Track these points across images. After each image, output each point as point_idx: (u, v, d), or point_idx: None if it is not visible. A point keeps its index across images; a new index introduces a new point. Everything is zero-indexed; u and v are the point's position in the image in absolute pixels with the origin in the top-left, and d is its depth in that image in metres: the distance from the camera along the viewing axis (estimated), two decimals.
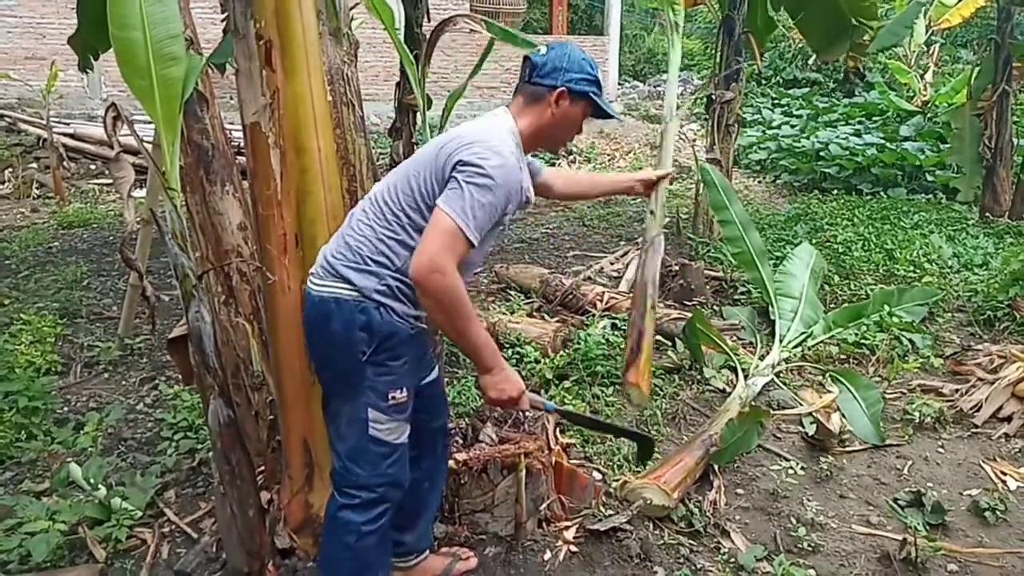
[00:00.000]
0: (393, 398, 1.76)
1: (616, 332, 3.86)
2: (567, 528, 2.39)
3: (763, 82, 13.94)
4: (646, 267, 3.22)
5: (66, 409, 3.31)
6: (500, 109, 1.86)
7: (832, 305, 4.57)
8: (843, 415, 3.26)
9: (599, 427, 2.24)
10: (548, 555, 2.28)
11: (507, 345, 3.80)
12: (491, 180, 1.62)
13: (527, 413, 2.05)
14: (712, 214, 6.16)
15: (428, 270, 1.58)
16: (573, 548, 2.31)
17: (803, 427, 3.16)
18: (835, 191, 8.76)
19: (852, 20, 5.66)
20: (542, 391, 3.45)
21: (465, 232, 1.60)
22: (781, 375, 3.64)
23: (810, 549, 2.40)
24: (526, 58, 1.84)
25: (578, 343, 3.66)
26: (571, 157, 11.27)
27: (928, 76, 11.44)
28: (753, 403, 3.22)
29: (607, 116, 1.92)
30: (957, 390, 3.50)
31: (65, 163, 8.68)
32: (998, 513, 2.58)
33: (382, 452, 1.78)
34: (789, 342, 3.85)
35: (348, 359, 1.73)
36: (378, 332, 1.71)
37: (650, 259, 3.24)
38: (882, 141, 9.36)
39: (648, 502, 2.46)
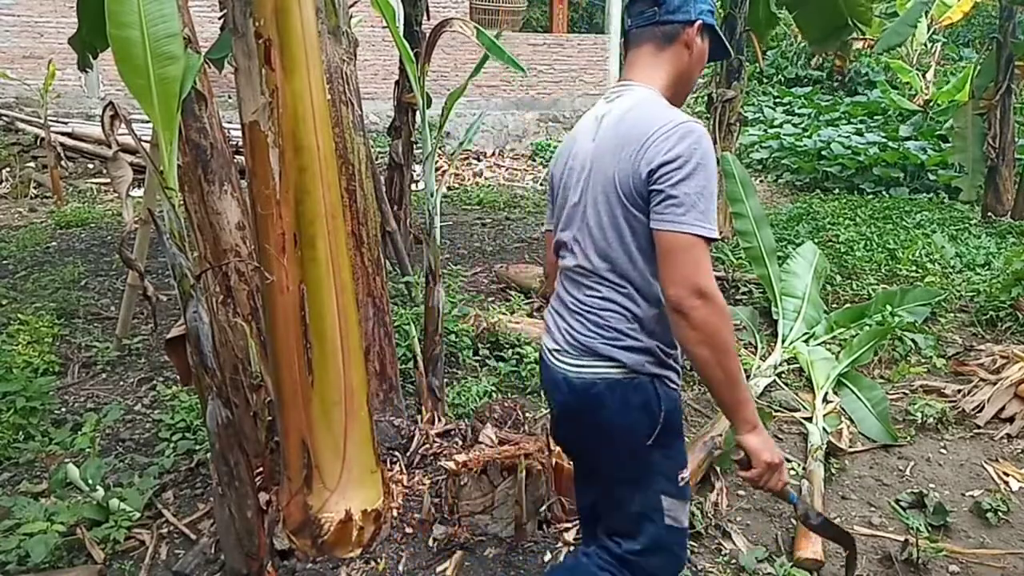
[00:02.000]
0: (682, 478, 1.50)
1: None
2: (567, 529, 2.37)
3: (765, 80, 13.93)
4: None
5: (64, 410, 3.30)
6: (631, 87, 1.52)
7: (834, 305, 4.55)
8: (850, 419, 3.25)
9: (840, 538, 1.90)
10: (548, 556, 2.26)
11: (507, 345, 3.79)
12: (694, 160, 1.32)
13: (777, 495, 1.61)
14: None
15: (692, 297, 1.31)
16: (574, 549, 2.30)
17: (806, 436, 3.14)
18: (837, 190, 8.76)
19: (848, 20, 5.69)
20: (542, 392, 3.44)
21: (704, 234, 1.31)
22: (783, 376, 3.62)
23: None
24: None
25: None
26: None
27: (930, 75, 11.43)
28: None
29: (723, 54, 1.61)
30: (959, 390, 3.48)
31: (63, 162, 8.68)
32: (1000, 514, 2.57)
33: (679, 541, 1.54)
34: (791, 342, 3.84)
35: (630, 445, 1.47)
36: (660, 409, 1.45)
37: None
38: (884, 140, 9.36)
39: None
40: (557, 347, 1.54)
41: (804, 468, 2.80)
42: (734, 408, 1.40)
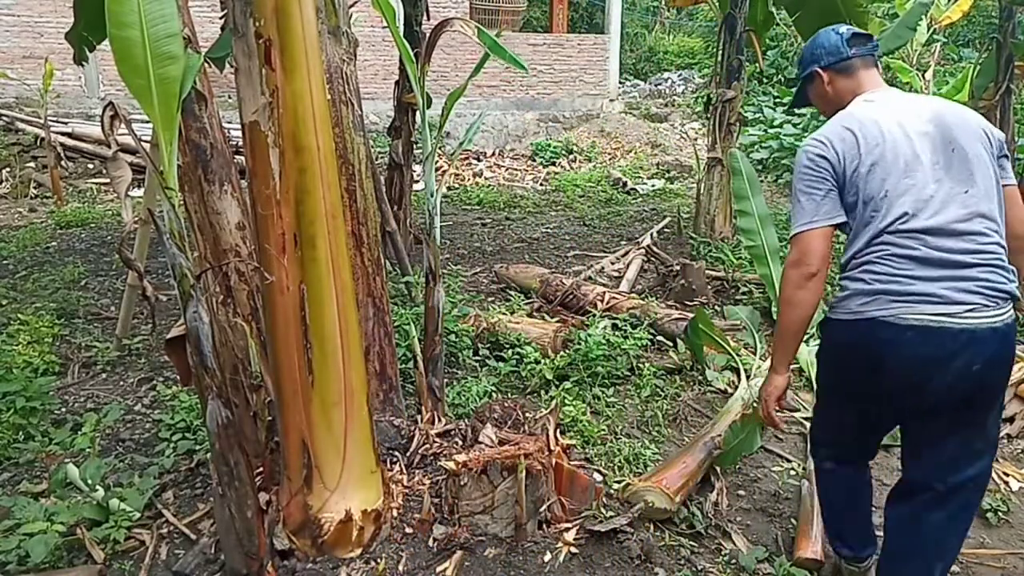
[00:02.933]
0: None
1: (616, 333, 3.85)
2: (567, 529, 2.37)
3: (765, 80, 13.92)
4: None
5: (64, 410, 3.30)
6: (891, 90, 1.97)
7: None
8: None
9: None
10: (548, 556, 2.26)
11: (507, 345, 3.79)
12: None
13: None
14: (713, 214, 6.17)
15: None
16: (573, 549, 2.30)
17: (806, 436, 3.14)
18: None
19: (847, 22, 5.71)
20: (542, 392, 3.44)
21: None
22: None
23: None
24: (865, 35, 2.01)
25: (579, 344, 3.65)
26: (571, 156, 11.26)
27: (929, 74, 11.43)
28: (755, 404, 3.20)
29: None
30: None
31: (63, 162, 8.68)
32: (1000, 514, 2.58)
33: None
34: None
35: (1010, 369, 1.82)
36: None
37: None
38: None
39: (650, 505, 2.45)
40: (972, 304, 1.70)
41: (804, 468, 2.80)
42: None
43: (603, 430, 3.06)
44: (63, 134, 8.86)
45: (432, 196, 2.67)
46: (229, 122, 3.35)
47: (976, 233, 1.73)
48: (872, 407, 1.91)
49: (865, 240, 1.82)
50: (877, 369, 1.79)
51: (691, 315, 3.68)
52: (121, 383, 3.62)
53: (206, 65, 2.74)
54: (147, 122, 1.90)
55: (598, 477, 2.72)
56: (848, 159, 1.82)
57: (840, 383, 1.98)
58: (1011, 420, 3.24)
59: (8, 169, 8.48)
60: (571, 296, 4.48)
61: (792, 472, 2.75)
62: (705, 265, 5.14)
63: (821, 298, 1.88)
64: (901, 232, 1.75)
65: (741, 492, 2.73)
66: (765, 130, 11.07)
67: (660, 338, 3.98)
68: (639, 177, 10.09)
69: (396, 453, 2.52)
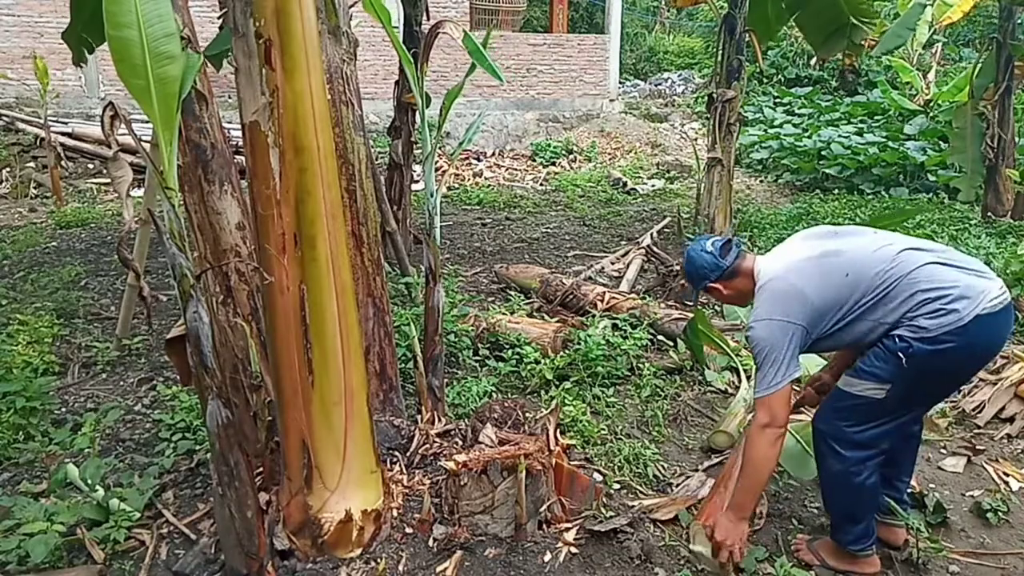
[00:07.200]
0: None
1: (616, 333, 3.85)
2: (567, 529, 2.37)
3: (765, 81, 13.92)
4: None
5: (64, 410, 3.30)
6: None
7: None
8: None
9: None
10: (548, 556, 2.26)
11: (507, 345, 3.78)
12: None
13: None
14: (713, 214, 6.17)
15: None
16: (573, 549, 2.30)
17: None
18: (837, 191, 8.77)
19: (851, 19, 5.69)
20: (542, 392, 3.44)
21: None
22: None
23: None
24: (728, 240, 2.33)
25: (579, 344, 3.65)
26: (571, 156, 11.27)
27: (930, 75, 11.43)
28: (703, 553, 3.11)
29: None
30: (959, 390, 3.48)
31: (63, 162, 8.68)
32: (1000, 514, 2.57)
33: None
34: None
35: None
36: None
37: None
38: (884, 140, 9.35)
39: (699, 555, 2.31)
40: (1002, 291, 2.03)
41: None
42: None
43: (603, 430, 3.06)
44: (63, 134, 8.86)
45: (432, 196, 2.67)
46: (229, 122, 3.35)
47: None
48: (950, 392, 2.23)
49: (890, 281, 2.04)
50: (986, 358, 2.10)
51: (691, 315, 3.68)
52: (121, 383, 3.62)
53: (206, 65, 2.73)
54: (147, 122, 1.90)
55: (598, 477, 2.72)
56: (808, 312, 2.07)
57: (936, 385, 2.13)
58: (1011, 420, 3.24)
59: (8, 169, 8.48)
60: (571, 296, 4.48)
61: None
62: None
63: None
64: (921, 263, 2.04)
65: None
66: (765, 130, 11.07)
67: (660, 338, 3.98)
68: (639, 177, 10.10)
69: (396, 453, 2.51)
